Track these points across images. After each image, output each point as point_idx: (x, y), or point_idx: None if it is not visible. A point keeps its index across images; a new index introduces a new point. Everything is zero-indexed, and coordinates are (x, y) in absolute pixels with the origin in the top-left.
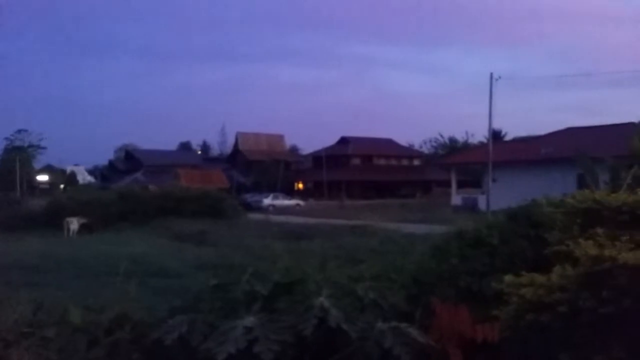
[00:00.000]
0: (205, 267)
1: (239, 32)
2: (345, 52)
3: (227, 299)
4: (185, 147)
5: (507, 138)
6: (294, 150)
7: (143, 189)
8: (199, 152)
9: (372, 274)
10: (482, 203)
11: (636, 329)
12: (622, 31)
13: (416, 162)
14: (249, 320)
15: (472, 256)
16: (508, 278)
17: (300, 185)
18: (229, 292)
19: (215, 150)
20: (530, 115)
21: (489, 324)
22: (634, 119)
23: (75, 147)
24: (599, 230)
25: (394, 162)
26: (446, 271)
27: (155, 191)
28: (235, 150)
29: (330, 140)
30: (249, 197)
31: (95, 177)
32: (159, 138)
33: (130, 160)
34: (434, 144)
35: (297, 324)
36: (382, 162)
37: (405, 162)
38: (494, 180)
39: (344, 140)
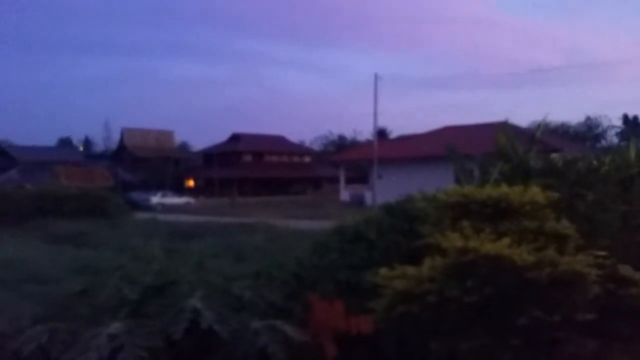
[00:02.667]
0: (84, 271)
1: (123, 24)
2: (237, 48)
3: (93, 305)
4: (65, 143)
5: (393, 136)
6: (184, 147)
7: (17, 188)
8: (81, 149)
9: (254, 272)
10: (369, 198)
11: (498, 317)
12: (497, 36)
13: (307, 159)
14: (115, 327)
15: (351, 251)
16: (383, 271)
17: (191, 183)
18: (96, 298)
19: (99, 147)
20: (414, 114)
21: (364, 316)
22: (507, 118)
23: None
24: (465, 223)
25: (285, 159)
26: (326, 266)
27: (31, 190)
28: (121, 146)
29: (222, 137)
30: (136, 196)
31: None
32: (36, 134)
33: (3, 157)
34: (324, 141)
35: (167, 328)
36: (273, 159)
37: (296, 159)
38: (379, 177)
39: (235, 137)
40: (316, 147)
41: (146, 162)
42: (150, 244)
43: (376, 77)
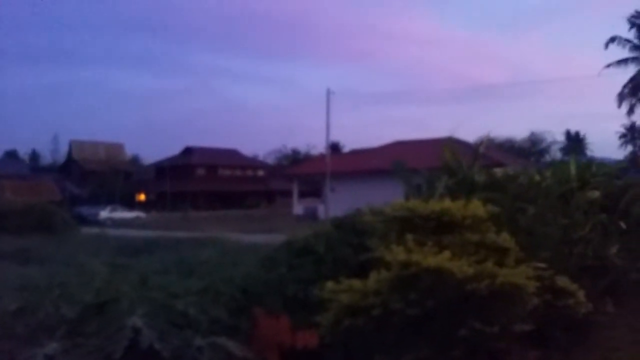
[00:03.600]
0: (26, 289)
1: (72, 34)
2: (191, 60)
3: (30, 325)
4: (11, 156)
5: (346, 150)
6: (135, 160)
7: None
8: (28, 162)
9: (201, 288)
10: (322, 212)
11: (439, 328)
12: (446, 52)
13: (261, 173)
14: (51, 347)
15: (299, 265)
16: (329, 285)
17: (142, 197)
18: (33, 317)
19: (46, 160)
20: (367, 129)
21: (309, 331)
22: (454, 132)
23: None
24: (409, 237)
25: (239, 172)
26: (274, 281)
27: None
28: (69, 159)
29: (174, 150)
30: (85, 210)
31: None
32: None
33: None
34: (278, 155)
35: (107, 347)
36: (227, 172)
37: (250, 172)
38: (332, 190)
39: (188, 150)
40: (270, 160)
41: (95, 175)
42: (93, 261)
43: (329, 92)
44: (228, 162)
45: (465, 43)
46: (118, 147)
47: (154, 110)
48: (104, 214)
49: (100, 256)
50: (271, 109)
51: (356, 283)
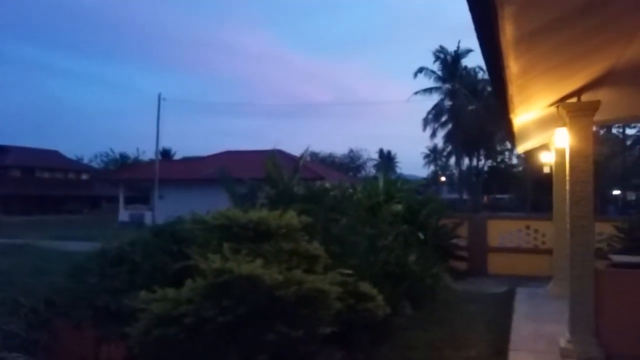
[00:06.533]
0: None
1: None
2: (5, 52)
3: None
4: None
5: (177, 157)
6: None
7: None
8: None
9: None
10: (149, 219)
11: (249, 335)
12: (276, 69)
13: (84, 177)
14: None
15: (113, 274)
16: (142, 294)
17: None
18: None
19: None
20: (199, 137)
21: (115, 343)
22: (280, 146)
23: None
24: (226, 245)
25: (59, 175)
26: (84, 291)
27: None
28: None
29: None
30: None
31: None
32: None
33: None
34: (105, 159)
35: None
36: (46, 175)
37: (72, 176)
38: (160, 197)
39: (0, 149)
40: (96, 164)
41: None
42: None
43: (160, 98)
44: (47, 164)
45: (297, 63)
46: None
47: None
48: None
49: None
50: (99, 111)
51: (170, 292)
